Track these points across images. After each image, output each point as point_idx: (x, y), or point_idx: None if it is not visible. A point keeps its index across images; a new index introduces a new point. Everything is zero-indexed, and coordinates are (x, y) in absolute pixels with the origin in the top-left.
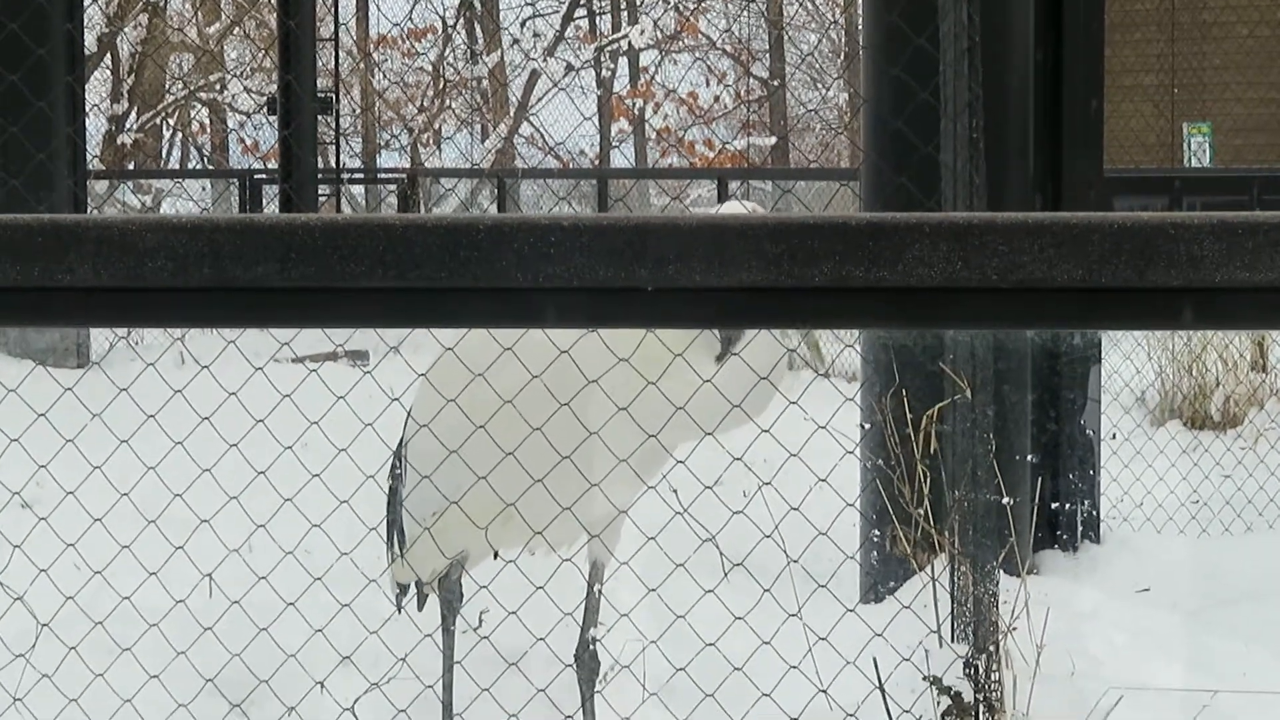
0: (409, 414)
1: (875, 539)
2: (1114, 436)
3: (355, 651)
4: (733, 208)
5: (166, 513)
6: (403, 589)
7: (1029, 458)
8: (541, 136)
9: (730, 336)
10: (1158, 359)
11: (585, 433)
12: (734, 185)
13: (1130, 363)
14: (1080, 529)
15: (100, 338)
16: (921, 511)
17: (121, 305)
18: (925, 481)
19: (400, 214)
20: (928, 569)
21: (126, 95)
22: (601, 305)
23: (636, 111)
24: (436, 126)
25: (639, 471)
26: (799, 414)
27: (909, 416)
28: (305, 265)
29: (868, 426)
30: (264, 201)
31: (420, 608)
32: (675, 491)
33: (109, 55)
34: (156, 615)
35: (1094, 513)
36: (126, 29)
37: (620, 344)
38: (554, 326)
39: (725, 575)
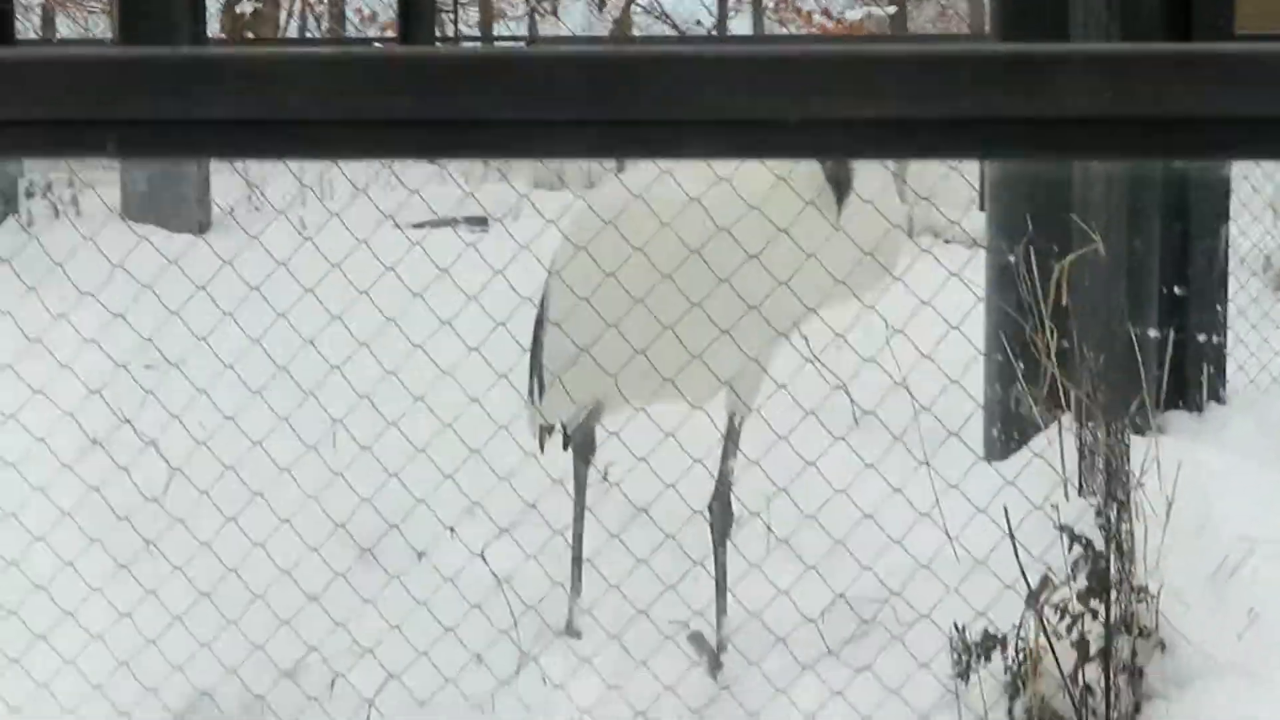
0: (550, 267)
1: (1001, 398)
2: (1253, 301)
3: (484, 500)
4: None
5: (294, 367)
6: (544, 431)
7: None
8: (659, 4)
9: (840, 182)
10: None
11: (719, 284)
12: None
13: (1259, 223)
14: (1206, 389)
15: (220, 202)
16: (1050, 366)
17: (260, 137)
18: (1053, 337)
19: (541, 48)
20: (1054, 426)
21: None
22: (745, 137)
23: None
24: None
25: (772, 322)
26: (925, 275)
27: (1035, 271)
28: (439, 98)
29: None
30: None
31: (565, 448)
32: (806, 339)
33: None
34: (284, 464)
35: (1220, 373)
36: None
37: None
38: (698, 158)
39: (856, 422)
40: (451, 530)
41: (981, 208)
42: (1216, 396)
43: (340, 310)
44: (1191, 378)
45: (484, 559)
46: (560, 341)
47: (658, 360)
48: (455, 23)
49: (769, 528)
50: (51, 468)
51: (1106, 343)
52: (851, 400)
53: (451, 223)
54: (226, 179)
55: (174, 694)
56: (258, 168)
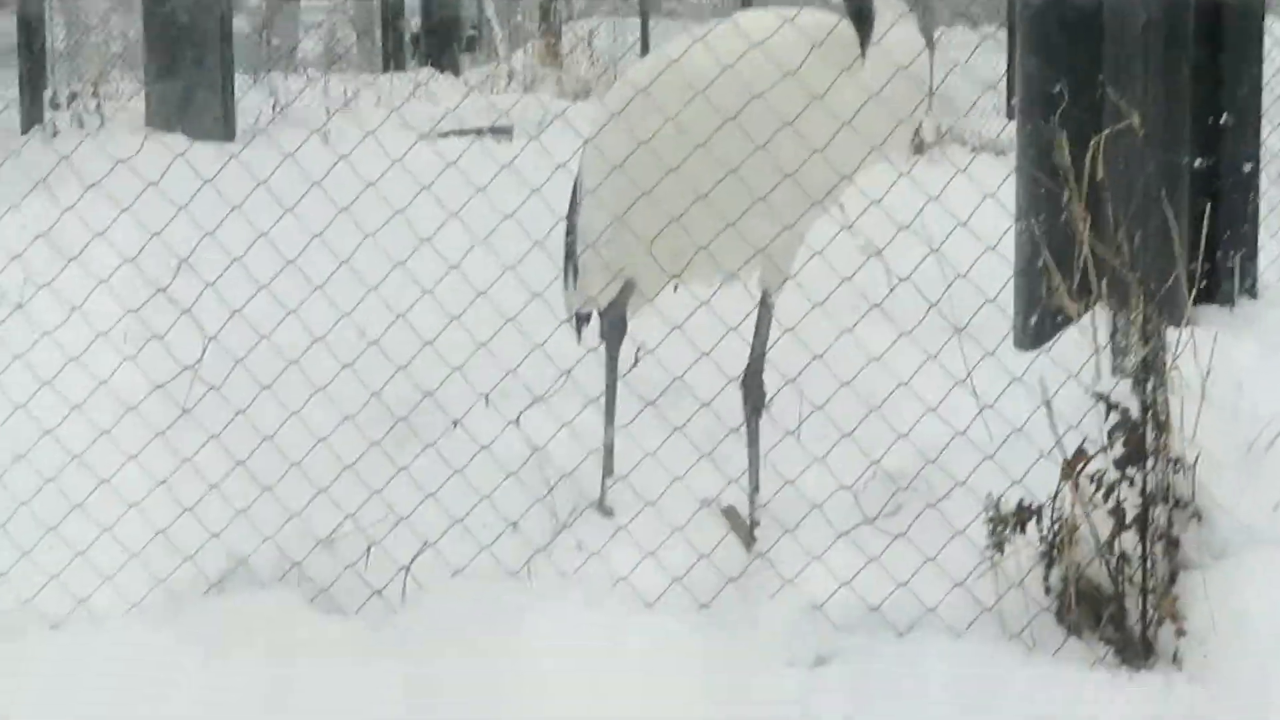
0: (585, 142)
1: (1031, 285)
2: None
3: (519, 369)
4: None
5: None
6: (580, 319)
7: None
8: None
9: (864, 17)
10: None
11: (755, 152)
12: None
13: None
14: (1238, 284)
15: (247, 114)
16: (1083, 250)
17: None
18: (1085, 222)
19: None
20: (1086, 315)
21: None
22: None
23: None
24: None
25: (808, 187)
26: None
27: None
28: None
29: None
30: None
31: (600, 337)
32: (842, 206)
33: None
34: (318, 334)
35: (1252, 268)
36: None
37: (758, 78)
38: None
39: (891, 290)
40: (486, 398)
41: (1010, 115)
42: (1250, 291)
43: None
44: (1223, 270)
45: (517, 424)
46: (594, 212)
47: (693, 230)
48: None
49: (804, 396)
50: (87, 336)
51: (1141, 220)
52: (887, 269)
53: (477, 132)
54: (250, 86)
55: (210, 560)
56: (282, 82)
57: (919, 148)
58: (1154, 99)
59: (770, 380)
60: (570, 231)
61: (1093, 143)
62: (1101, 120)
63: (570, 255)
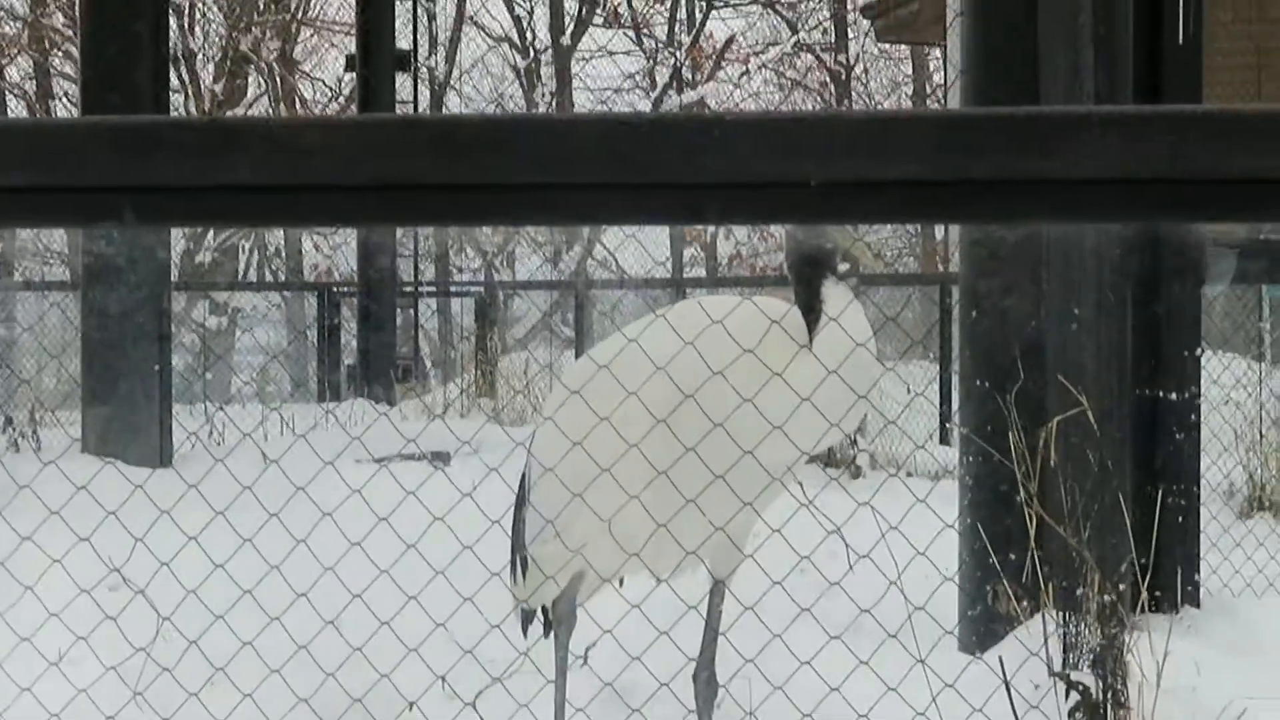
0: (529, 444)
1: (977, 587)
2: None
3: (472, 652)
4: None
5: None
6: (527, 615)
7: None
8: (614, 260)
9: (812, 307)
10: (1247, 454)
11: (701, 447)
12: None
13: (1231, 454)
14: (1180, 592)
15: (180, 439)
16: (1029, 550)
17: (282, 204)
18: (1031, 523)
19: (562, 112)
20: (1034, 620)
21: None
22: (764, 200)
23: (709, 237)
24: (510, 249)
25: (754, 484)
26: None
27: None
28: (463, 162)
29: (970, 460)
30: (342, 313)
31: (546, 634)
32: (801, 485)
33: None
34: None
35: (1194, 575)
36: None
37: (713, 356)
38: (716, 223)
39: (821, 595)
40: (443, 680)
41: (943, 440)
42: (1191, 599)
43: (280, 559)
44: (1165, 577)
45: (475, 709)
46: (547, 493)
47: (650, 510)
48: (416, 270)
49: (738, 702)
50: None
51: (1090, 509)
52: (820, 572)
53: (413, 457)
54: (185, 417)
55: None
56: (217, 411)
57: (855, 473)
58: (1103, 394)
59: (729, 659)
60: (517, 524)
61: (1045, 429)
62: (1046, 403)
63: (518, 548)
